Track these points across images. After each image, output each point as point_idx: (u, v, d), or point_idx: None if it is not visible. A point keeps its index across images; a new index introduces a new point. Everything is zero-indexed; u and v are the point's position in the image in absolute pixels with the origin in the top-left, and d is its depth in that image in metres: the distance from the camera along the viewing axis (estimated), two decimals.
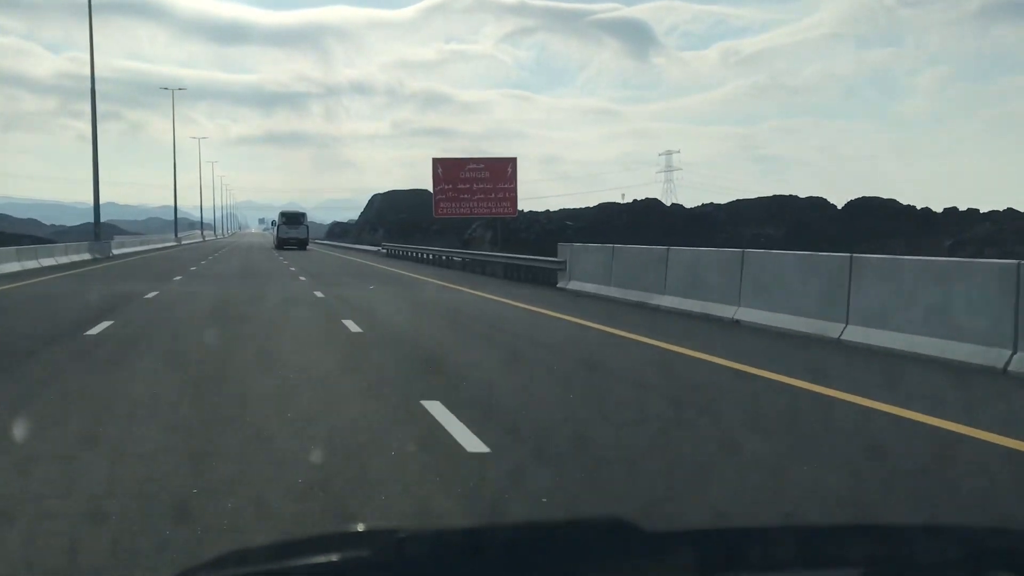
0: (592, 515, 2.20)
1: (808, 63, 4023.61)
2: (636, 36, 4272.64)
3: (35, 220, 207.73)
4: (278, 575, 1.33)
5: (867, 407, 7.95)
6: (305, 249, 70.57)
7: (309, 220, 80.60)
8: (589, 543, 1.45)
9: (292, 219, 76.26)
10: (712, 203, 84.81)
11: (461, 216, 41.75)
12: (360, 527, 1.71)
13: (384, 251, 54.08)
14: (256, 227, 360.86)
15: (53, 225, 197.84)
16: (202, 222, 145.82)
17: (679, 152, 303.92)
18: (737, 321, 14.96)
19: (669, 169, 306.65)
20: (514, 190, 39.85)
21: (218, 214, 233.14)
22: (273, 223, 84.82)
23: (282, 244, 72.06)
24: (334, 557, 1.34)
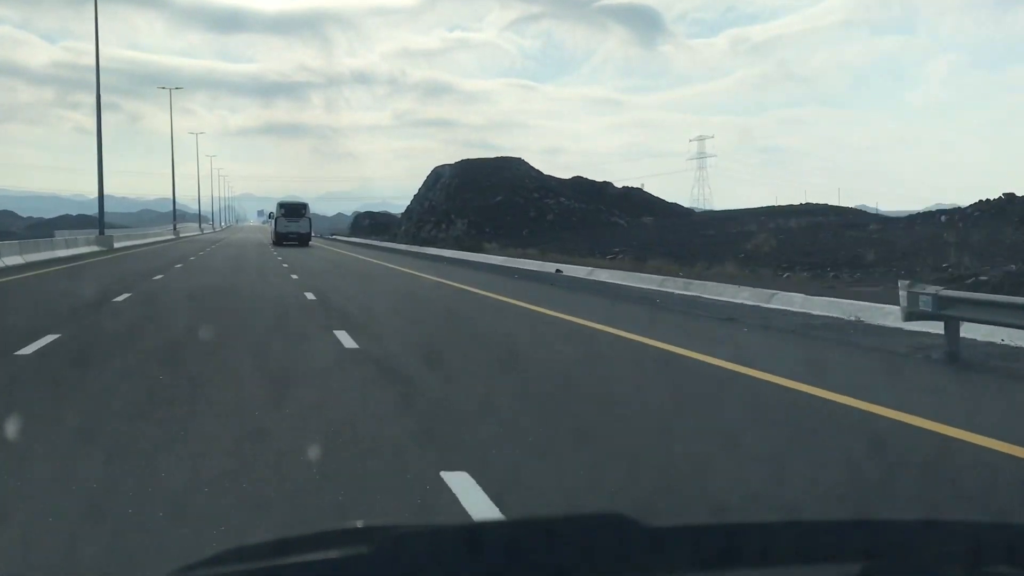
0: (591, 511, 1.64)
1: (818, 51, 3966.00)
2: (644, 23, 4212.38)
3: (11, 212, 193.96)
4: (277, 571, 1.30)
5: None
6: (307, 246, 60.98)
7: (311, 212, 70.22)
8: (588, 538, 1.41)
9: (292, 211, 66.30)
10: None
11: None
12: (359, 523, 1.48)
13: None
14: (255, 219, 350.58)
15: (30, 217, 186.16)
16: (175, 212, 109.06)
17: (712, 137, 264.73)
18: None
19: (702, 156, 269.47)
20: None
21: (214, 206, 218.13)
22: (271, 215, 72.52)
23: (281, 240, 62.58)
24: (333, 554, 1.31)
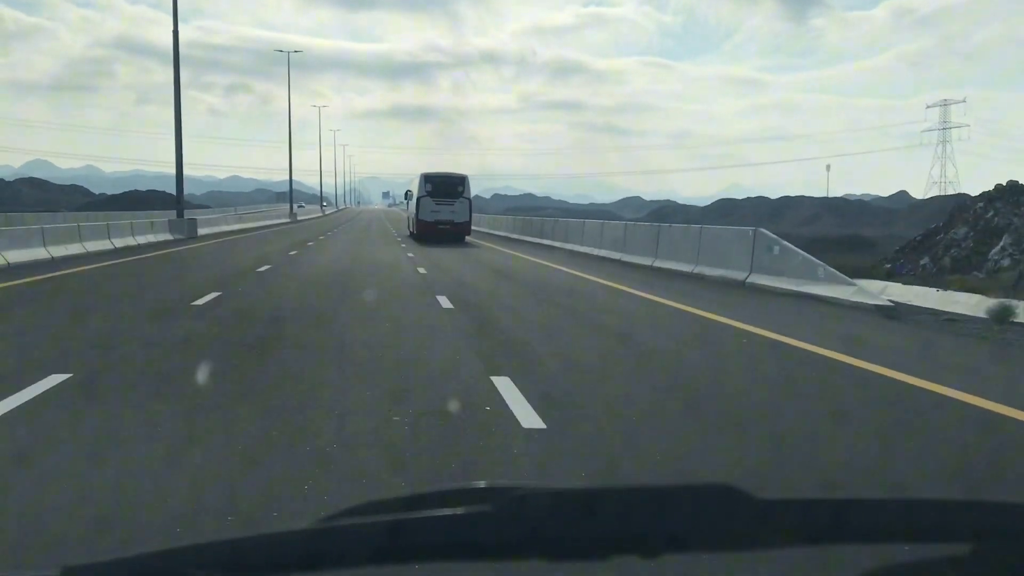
0: (704, 481, 1.59)
1: (988, 23, 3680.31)
2: None
3: (83, 188, 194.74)
4: (408, 523, 1.41)
5: None
6: (464, 242, 41.33)
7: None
8: (699, 507, 1.48)
9: (445, 187, 43.05)
10: None
11: None
12: (482, 483, 1.56)
13: None
14: (379, 202, 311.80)
15: (103, 193, 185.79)
16: (292, 192, 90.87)
17: (963, 102, 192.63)
18: None
19: (945, 126, 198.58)
20: None
21: (344, 187, 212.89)
22: (408, 195, 49.64)
23: (426, 231, 42.08)
24: (459, 510, 1.42)
